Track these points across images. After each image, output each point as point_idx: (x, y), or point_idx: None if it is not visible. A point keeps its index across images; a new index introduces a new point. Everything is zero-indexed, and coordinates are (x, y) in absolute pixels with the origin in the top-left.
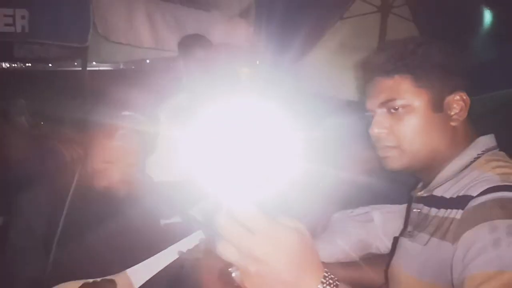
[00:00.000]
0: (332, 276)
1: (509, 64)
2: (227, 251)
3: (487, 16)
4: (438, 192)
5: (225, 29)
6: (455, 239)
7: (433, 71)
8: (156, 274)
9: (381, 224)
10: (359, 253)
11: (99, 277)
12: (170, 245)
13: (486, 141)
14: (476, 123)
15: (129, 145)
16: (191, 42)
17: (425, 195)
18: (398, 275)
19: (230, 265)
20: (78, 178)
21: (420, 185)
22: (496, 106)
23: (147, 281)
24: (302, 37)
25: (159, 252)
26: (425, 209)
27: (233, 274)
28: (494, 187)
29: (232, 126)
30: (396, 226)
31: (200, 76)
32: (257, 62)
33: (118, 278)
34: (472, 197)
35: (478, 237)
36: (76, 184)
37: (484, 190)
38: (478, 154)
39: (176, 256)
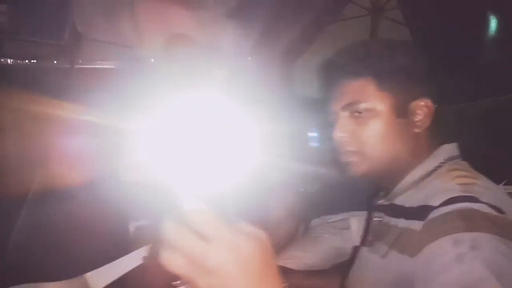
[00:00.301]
0: None
1: (495, 71)
2: (174, 261)
3: (481, 20)
4: (398, 201)
5: (211, 29)
6: (415, 252)
7: (397, 74)
8: (119, 279)
9: (358, 232)
10: (334, 261)
11: (55, 280)
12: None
13: (449, 149)
14: (452, 133)
15: (92, 147)
16: (174, 43)
17: (386, 203)
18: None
19: (176, 277)
20: (39, 179)
21: (382, 193)
22: (480, 114)
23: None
24: (293, 40)
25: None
26: (386, 218)
27: None
28: (456, 197)
29: (190, 120)
30: None
31: (177, 77)
32: (240, 64)
33: (74, 283)
34: (432, 208)
35: (440, 251)
36: (37, 185)
37: (446, 201)
38: (440, 163)
39: (141, 262)
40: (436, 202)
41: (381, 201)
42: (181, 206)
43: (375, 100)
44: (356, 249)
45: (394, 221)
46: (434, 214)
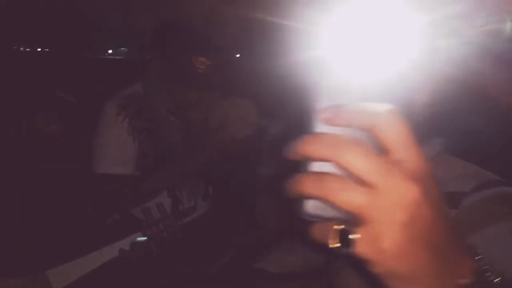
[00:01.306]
0: None
1: None
2: (345, 188)
3: None
4: None
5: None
6: None
7: None
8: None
9: None
10: (316, 263)
11: (15, 277)
12: (102, 244)
13: (441, 142)
14: None
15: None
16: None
17: None
18: None
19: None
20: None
21: None
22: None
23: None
24: None
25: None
26: None
27: (350, 236)
28: (487, 182)
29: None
30: None
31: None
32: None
33: (32, 281)
34: (463, 194)
35: (499, 240)
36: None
37: (477, 186)
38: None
39: (111, 257)
40: (465, 188)
41: None
42: (353, 109)
43: None
44: None
45: None
46: (469, 200)
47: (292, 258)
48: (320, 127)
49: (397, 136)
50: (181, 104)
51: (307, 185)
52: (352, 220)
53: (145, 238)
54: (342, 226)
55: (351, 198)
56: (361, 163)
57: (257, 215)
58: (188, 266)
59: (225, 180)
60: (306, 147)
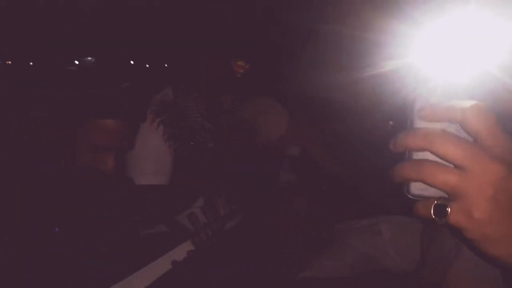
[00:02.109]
0: None
1: None
2: (442, 171)
3: None
4: None
5: None
6: None
7: None
8: None
9: (392, 238)
10: (363, 269)
11: None
12: (151, 259)
13: None
14: None
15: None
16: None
17: None
18: None
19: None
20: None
21: None
22: None
23: None
24: None
25: (136, 267)
26: None
27: (447, 209)
28: None
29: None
30: (410, 241)
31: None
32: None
33: None
34: None
35: None
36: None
37: None
38: None
39: (164, 270)
40: None
41: None
42: (446, 107)
43: None
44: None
45: None
46: None
47: (335, 264)
48: (418, 123)
49: (482, 125)
50: (214, 108)
51: (410, 171)
52: (448, 197)
53: (194, 246)
54: (440, 202)
55: (446, 178)
56: (453, 150)
57: (285, 220)
58: (237, 272)
59: (257, 185)
60: (408, 140)
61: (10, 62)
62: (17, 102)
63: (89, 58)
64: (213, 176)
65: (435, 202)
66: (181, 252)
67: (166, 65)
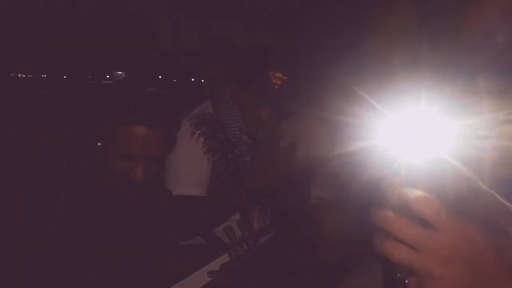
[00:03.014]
0: None
1: None
2: (399, 251)
3: None
4: None
5: None
6: None
7: None
8: None
9: None
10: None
11: None
12: (189, 271)
13: None
14: None
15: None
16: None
17: None
18: None
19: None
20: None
21: None
22: None
23: None
24: None
25: (173, 279)
26: None
27: (406, 282)
28: None
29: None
30: None
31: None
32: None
33: None
34: None
35: None
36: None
37: None
38: None
39: (204, 282)
40: None
41: None
42: (403, 195)
43: None
44: None
45: None
46: None
47: (370, 283)
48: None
49: (428, 213)
50: (252, 121)
51: (377, 246)
52: (408, 271)
53: (230, 259)
54: (402, 275)
55: (401, 256)
56: (405, 233)
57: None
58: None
59: (287, 202)
60: (376, 218)
61: (45, 76)
62: (19, 104)
63: (119, 72)
64: (248, 189)
65: (398, 275)
66: (218, 265)
67: (202, 80)
